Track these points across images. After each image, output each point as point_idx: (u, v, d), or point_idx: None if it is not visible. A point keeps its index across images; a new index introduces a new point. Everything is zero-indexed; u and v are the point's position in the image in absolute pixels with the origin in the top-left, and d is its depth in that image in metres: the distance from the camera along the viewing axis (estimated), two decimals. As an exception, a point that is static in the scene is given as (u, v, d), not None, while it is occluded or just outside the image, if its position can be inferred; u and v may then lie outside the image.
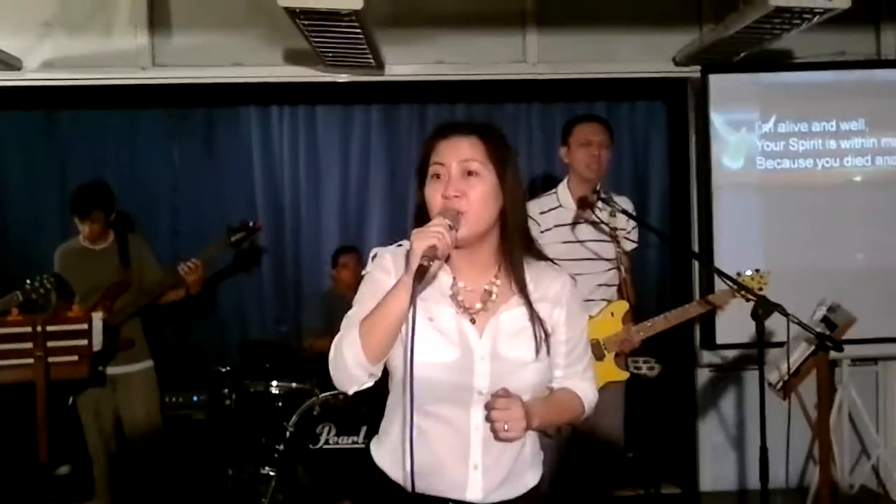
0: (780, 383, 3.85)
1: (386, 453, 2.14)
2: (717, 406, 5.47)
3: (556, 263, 2.21)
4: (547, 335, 2.09)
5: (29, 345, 3.94)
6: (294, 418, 4.60)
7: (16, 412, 4.14)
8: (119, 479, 4.74)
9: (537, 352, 2.06)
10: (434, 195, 2.02)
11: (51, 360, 3.96)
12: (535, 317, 2.08)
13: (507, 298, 2.10)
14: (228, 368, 5.03)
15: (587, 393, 2.24)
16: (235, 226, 4.94)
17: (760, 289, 3.86)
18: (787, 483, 4.21)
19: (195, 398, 5.14)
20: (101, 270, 4.70)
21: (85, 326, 4.05)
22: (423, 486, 2.03)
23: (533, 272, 2.13)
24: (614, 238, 4.07)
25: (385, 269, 2.08)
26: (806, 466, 5.21)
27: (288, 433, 4.59)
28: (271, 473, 4.67)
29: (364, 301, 2.05)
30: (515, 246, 2.10)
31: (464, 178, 2.01)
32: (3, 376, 3.99)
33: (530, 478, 2.16)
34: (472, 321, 2.07)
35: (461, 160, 2.02)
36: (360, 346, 1.94)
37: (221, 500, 4.88)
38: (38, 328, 3.95)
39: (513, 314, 2.09)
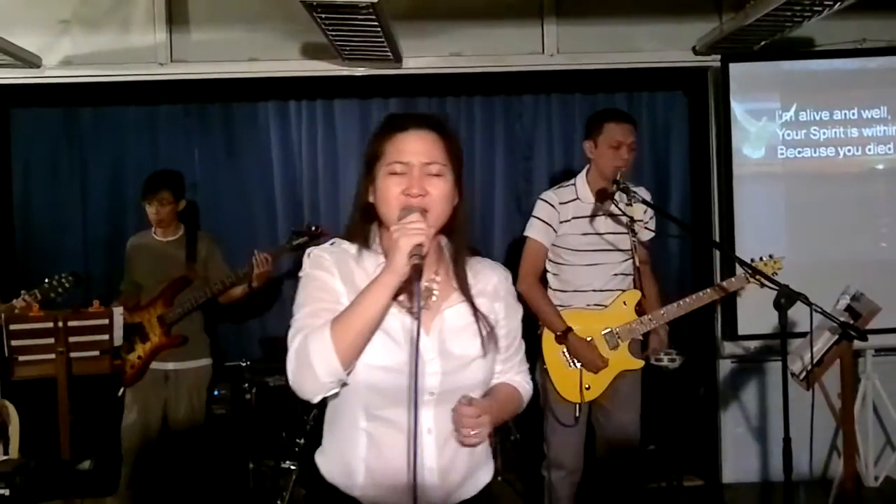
0: (804, 373, 3.82)
1: (334, 464, 2.04)
2: (739, 397, 5.44)
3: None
4: (492, 329, 2.05)
5: (51, 340, 3.97)
6: (314, 412, 4.60)
7: (44, 407, 4.16)
8: (143, 473, 4.75)
9: (484, 347, 2.02)
10: (393, 190, 1.94)
11: (72, 355, 3.99)
12: (478, 313, 2.04)
13: (448, 295, 2.05)
14: (249, 363, 5.03)
15: (524, 385, 2.22)
16: (298, 230, 4.95)
17: (775, 273, 3.84)
18: (810, 475, 4.19)
19: (216, 392, 5.15)
20: (167, 264, 4.75)
21: (106, 321, 4.08)
22: (377, 496, 1.97)
23: (471, 268, 2.09)
24: (631, 228, 4.07)
25: (326, 268, 1.99)
26: (829, 458, 5.17)
27: (308, 427, 4.60)
28: (292, 467, 4.68)
29: (311, 303, 1.96)
30: (462, 244, 2.07)
31: (426, 177, 1.94)
32: (26, 372, 4.02)
33: (483, 475, 2.11)
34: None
35: (425, 159, 1.95)
36: (334, 353, 1.83)
37: (242, 494, 4.89)
38: (60, 324, 3.97)
39: (456, 311, 2.04)
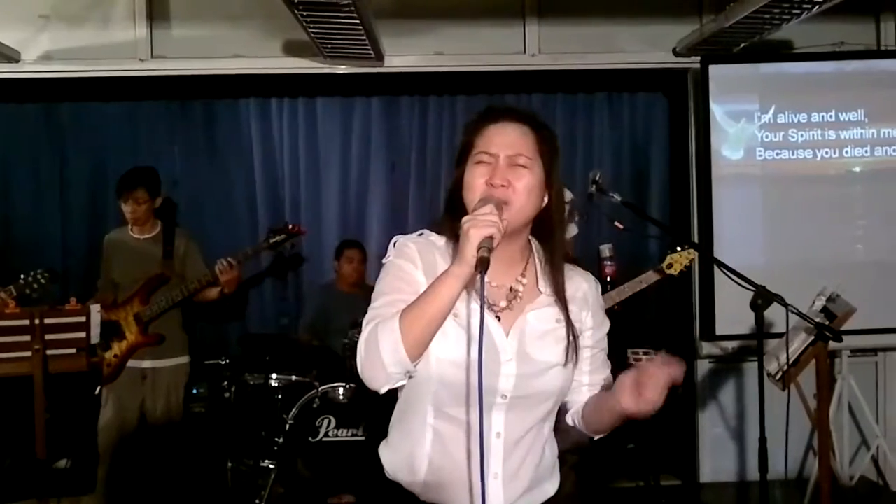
0: (780, 374, 3.84)
1: (398, 457, 1.99)
2: (716, 397, 5.47)
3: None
4: (576, 338, 1.96)
5: (27, 337, 3.93)
6: (294, 411, 4.58)
7: (19, 405, 4.13)
8: (120, 472, 4.73)
9: (567, 355, 1.93)
10: (477, 179, 1.88)
11: (49, 352, 3.95)
12: (568, 320, 1.95)
13: (534, 298, 1.95)
14: (228, 361, 5.02)
15: None
16: (276, 227, 4.93)
17: (689, 263, 3.93)
18: (786, 474, 4.21)
19: (195, 391, 5.13)
20: (144, 261, 4.71)
21: (83, 319, 4.03)
22: (437, 496, 1.93)
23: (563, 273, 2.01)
24: None
25: (409, 258, 1.93)
26: (805, 458, 5.20)
27: (287, 426, 4.59)
28: (271, 466, 4.66)
29: (390, 293, 1.90)
30: (558, 245, 2.00)
31: (511, 168, 1.87)
32: (1, 369, 3.97)
33: (549, 487, 2.04)
34: (497, 319, 1.92)
35: (511, 151, 1.88)
36: (401, 342, 1.77)
37: (221, 492, 4.87)
38: (36, 321, 3.94)
39: (540, 314, 1.94)
